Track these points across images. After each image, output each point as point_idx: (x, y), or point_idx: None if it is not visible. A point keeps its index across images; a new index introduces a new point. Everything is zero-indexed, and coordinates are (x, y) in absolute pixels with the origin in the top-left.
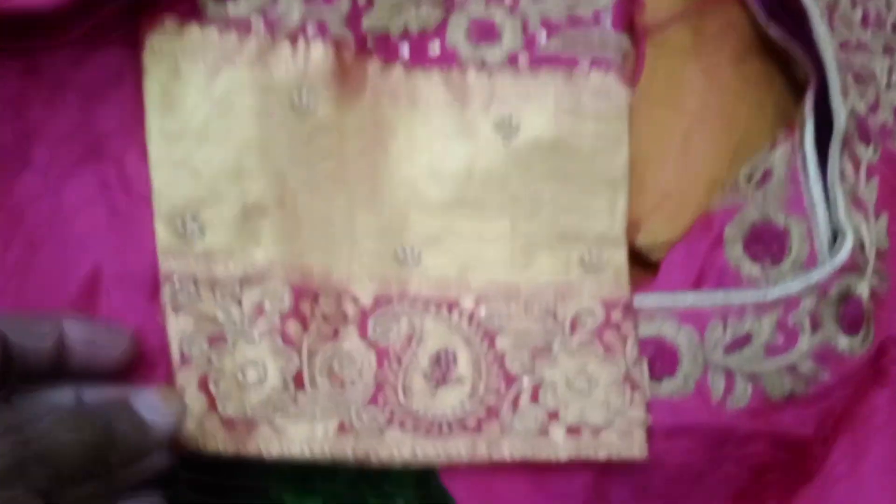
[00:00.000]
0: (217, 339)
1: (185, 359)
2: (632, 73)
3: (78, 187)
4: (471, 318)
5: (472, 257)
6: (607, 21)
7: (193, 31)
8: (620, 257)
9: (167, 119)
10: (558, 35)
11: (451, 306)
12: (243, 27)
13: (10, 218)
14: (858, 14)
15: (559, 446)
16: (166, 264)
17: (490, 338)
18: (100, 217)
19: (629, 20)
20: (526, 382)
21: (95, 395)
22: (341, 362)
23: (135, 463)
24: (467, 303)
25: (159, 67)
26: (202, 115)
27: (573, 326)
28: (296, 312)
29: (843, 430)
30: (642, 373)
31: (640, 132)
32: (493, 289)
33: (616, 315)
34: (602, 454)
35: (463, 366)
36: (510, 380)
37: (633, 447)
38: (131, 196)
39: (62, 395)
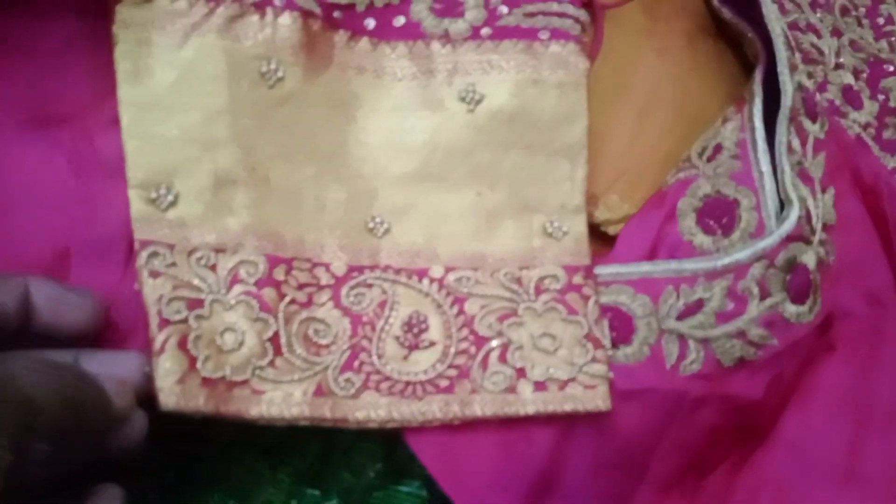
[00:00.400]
0: (194, 303)
1: (163, 320)
2: (590, 48)
3: (40, 156)
4: (440, 284)
5: (439, 228)
6: None
7: (162, 1)
8: (580, 226)
9: (138, 88)
10: (519, 8)
11: (421, 274)
12: None
13: None
14: None
15: (527, 401)
16: (140, 232)
17: (459, 303)
18: (67, 185)
19: (587, 6)
20: (494, 344)
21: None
22: (317, 329)
23: (96, 440)
24: (436, 271)
25: (129, 37)
26: (171, 83)
27: (537, 290)
28: (270, 279)
29: (794, 398)
30: (603, 331)
31: (595, 111)
32: (460, 258)
33: (577, 278)
34: (567, 407)
35: (434, 330)
36: (479, 342)
37: (597, 399)
38: (98, 164)
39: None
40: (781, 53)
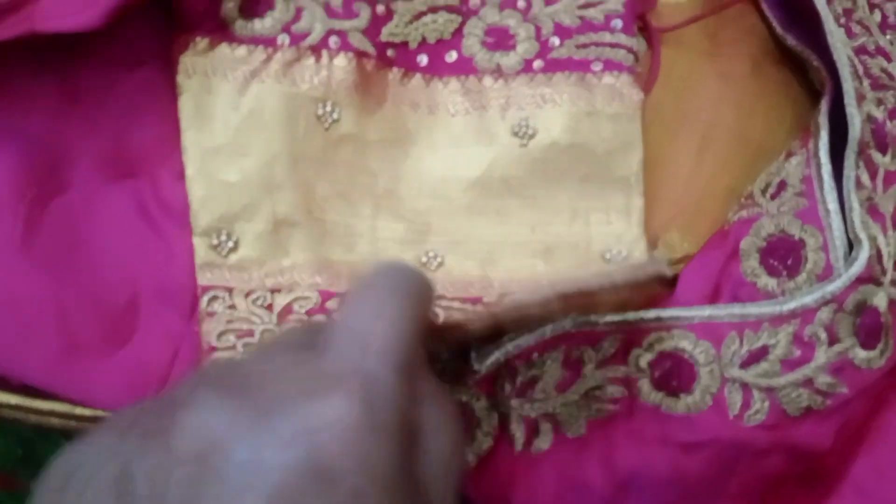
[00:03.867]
0: (245, 333)
1: (211, 348)
2: (646, 77)
3: (115, 205)
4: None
5: (493, 260)
6: (618, 25)
7: (223, 49)
8: (640, 253)
9: (201, 135)
10: (571, 39)
11: (475, 301)
12: (270, 43)
13: (51, 233)
14: (877, 17)
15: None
16: (203, 278)
17: None
18: (137, 234)
19: (643, 21)
20: None
21: None
22: None
23: None
24: (490, 297)
25: (192, 85)
26: (233, 129)
27: None
28: (322, 309)
29: (864, 444)
30: None
31: (654, 140)
32: (515, 284)
33: None
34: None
35: None
36: None
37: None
38: (166, 213)
39: None
40: (848, 84)
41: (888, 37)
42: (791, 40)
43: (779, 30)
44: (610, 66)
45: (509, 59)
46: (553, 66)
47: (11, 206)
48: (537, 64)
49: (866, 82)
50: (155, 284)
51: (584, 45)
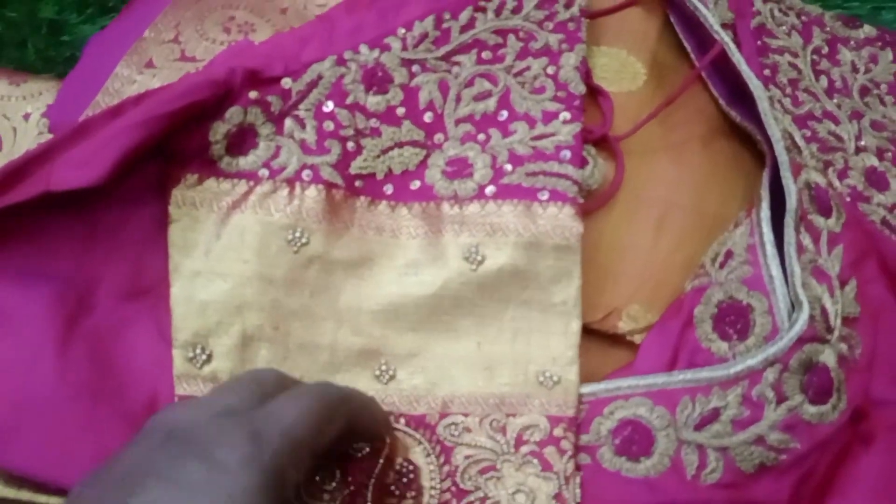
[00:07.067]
0: None
1: None
2: (611, 181)
3: (135, 324)
4: (433, 432)
5: (440, 373)
6: (567, 155)
7: (210, 183)
8: (572, 375)
9: (186, 259)
10: (522, 167)
11: (418, 422)
12: (251, 177)
13: (82, 354)
14: (823, 83)
15: None
16: (180, 388)
17: (447, 453)
18: (154, 348)
19: (603, 136)
20: (472, 498)
21: None
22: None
23: None
24: (431, 418)
25: (182, 216)
26: (214, 255)
27: (518, 441)
28: None
29: (830, 494)
30: (574, 491)
31: (614, 223)
32: (455, 400)
33: (559, 430)
34: None
35: (422, 480)
36: (460, 495)
37: None
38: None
39: None
40: (783, 157)
41: (835, 101)
42: (735, 115)
43: (724, 106)
44: (555, 196)
45: (465, 185)
46: (503, 193)
47: (44, 333)
48: (490, 189)
49: (813, 147)
50: (169, 388)
51: (534, 174)
